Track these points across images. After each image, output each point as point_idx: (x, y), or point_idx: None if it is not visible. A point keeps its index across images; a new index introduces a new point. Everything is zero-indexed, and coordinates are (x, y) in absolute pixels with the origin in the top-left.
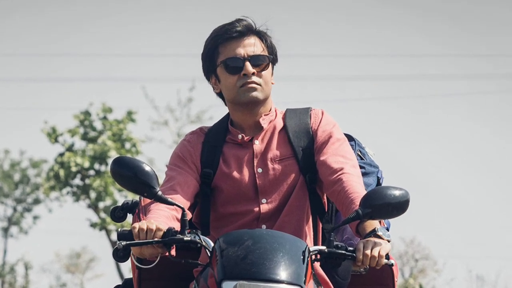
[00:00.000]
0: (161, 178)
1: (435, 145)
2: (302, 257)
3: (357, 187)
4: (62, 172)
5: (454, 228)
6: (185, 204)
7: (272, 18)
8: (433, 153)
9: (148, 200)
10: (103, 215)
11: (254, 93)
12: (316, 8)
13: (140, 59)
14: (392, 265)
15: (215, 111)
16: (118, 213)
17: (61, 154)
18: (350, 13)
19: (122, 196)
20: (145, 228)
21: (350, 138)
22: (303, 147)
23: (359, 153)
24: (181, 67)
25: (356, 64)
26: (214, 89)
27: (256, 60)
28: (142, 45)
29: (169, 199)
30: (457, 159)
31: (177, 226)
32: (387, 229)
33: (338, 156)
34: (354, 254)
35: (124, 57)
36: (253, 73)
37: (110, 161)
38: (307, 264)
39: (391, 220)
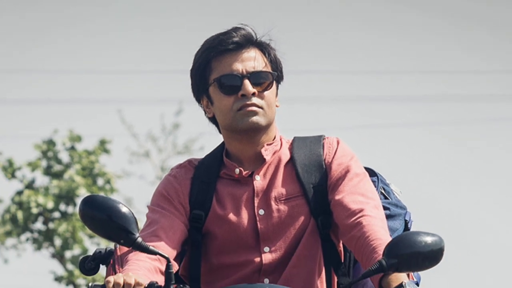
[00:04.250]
0: (141, 221)
1: (477, 182)
2: None
3: (380, 233)
4: (20, 214)
5: (502, 285)
6: (171, 253)
7: (277, 26)
8: (474, 192)
9: (125, 249)
10: (70, 266)
11: (255, 118)
12: (331, 13)
13: (115, 76)
14: None
15: (207, 140)
16: (88, 265)
17: (19, 193)
18: (374, 21)
19: (93, 244)
20: (121, 282)
21: (371, 172)
22: (315, 183)
23: (383, 191)
24: (165, 86)
25: (379, 82)
26: (205, 113)
27: (257, 78)
28: (117, 60)
29: (151, 247)
30: (505, 199)
31: (160, 280)
32: (417, 284)
33: (357, 195)
34: None
35: (96, 74)
36: (254, 94)
37: (78, 200)
38: None
39: (421, 273)
